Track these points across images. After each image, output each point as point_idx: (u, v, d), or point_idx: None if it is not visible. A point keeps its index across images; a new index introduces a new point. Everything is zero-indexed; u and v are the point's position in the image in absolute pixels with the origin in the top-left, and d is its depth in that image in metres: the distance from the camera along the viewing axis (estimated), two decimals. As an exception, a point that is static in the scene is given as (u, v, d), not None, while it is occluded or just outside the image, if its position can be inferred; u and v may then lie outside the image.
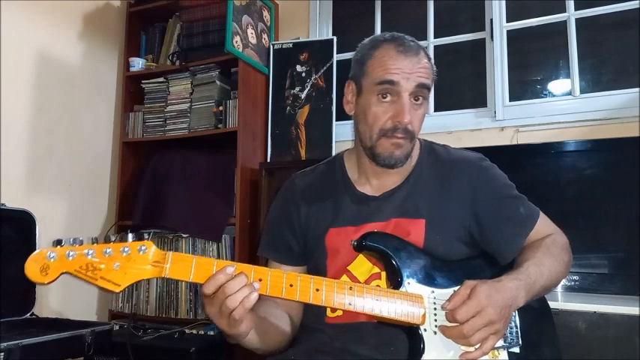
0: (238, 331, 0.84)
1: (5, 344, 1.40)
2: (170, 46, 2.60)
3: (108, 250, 0.78)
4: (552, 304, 1.46)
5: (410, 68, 0.98)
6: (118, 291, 0.79)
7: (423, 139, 1.15)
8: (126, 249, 0.79)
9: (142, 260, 0.80)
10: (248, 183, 2.30)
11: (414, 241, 1.00)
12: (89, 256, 0.77)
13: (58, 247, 0.77)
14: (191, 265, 0.81)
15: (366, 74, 1.02)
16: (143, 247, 0.80)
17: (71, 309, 2.14)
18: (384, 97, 0.99)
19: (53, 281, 0.76)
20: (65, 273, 0.76)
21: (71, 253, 0.76)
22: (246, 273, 0.82)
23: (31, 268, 0.75)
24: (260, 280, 0.84)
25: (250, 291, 0.80)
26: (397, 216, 1.04)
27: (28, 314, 1.83)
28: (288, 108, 2.46)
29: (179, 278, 0.81)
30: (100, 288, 0.78)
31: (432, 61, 1.05)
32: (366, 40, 1.08)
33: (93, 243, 0.79)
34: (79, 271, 0.77)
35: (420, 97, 1.00)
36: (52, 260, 0.75)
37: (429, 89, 1.00)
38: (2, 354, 1.39)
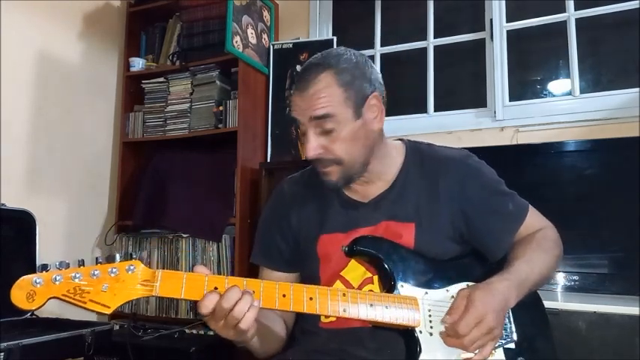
0: (246, 339, 0.86)
1: (5, 344, 1.40)
2: (170, 46, 2.60)
3: (96, 272, 0.77)
4: (552, 304, 1.48)
5: (304, 103, 0.97)
6: (108, 312, 0.78)
7: (408, 140, 1.14)
8: (114, 270, 0.78)
9: (131, 280, 0.79)
10: (248, 183, 2.30)
11: (405, 244, 1.00)
12: (76, 280, 0.76)
13: (44, 272, 0.75)
14: (181, 282, 0.81)
15: None
16: (131, 267, 0.79)
17: (71, 309, 2.12)
18: (301, 132, 1.01)
19: (40, 307, 0.75)
20: (53, 298, 0.75)
21: (58, 278, 0.75)
22: (238, 285, 0.82)
23: (17, 295, 0.73)
24: (253, 292, 0.83)
25: (251, 300, 0.81)
26: (387, 219, 1.04)
27: (28, 314, 1.82)
28: (288, 108, 2.46)
29: (170, 296, 0.81)
30: (89, 310, 0.78)
31: (348, 73, 0.97)
32: None
33: (79, 265, 0.78)
34: (67, 295, 0.76)
35: (328, 127, 0.96)
36: (38, 286, 0.74)
37: (328, 118, 0.95)
38: (2, 354, 1.39)
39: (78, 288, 0.76)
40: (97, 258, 0.80)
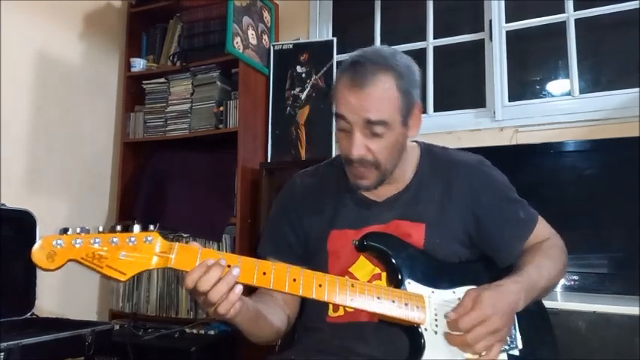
0: (227, 319, 0.86)
1: (5, 344, 1.40)
2: (171, 46, 2.60)
3: (114, 240, 0.79)
4: (552, 304, 1.48)
5: (359, 103, 0.93)
6: (123, 280, 0.79)
7: (423, 142, 1.15)
8: (132, 239, 0.80)
9: (148, 250, 0.81)
10: (248, 183, 2.30)
11: (415, 243, 1.00)
12: (96, 245, 0.78)
13: (65, 234, 0.77)
14: (196, 256, 0.82)
15: (333, 100, 1.01)
16: (149, 238, 0.81)
17: (71, 309, 2.14)
18: (341, 129, 0.98)
19: (59, 268, 0.76)
20: (71, 260, 0.77)
21: (78, 241, 0.77)
22: (250, 267, 0.82)
23: (38, 255, 0.75)
24: (264, 273, 0.84)
25: (229, 284, 0.80)
26: (398, 218, 1.04)
27: (28, 314, 1.83)
28: (289, 108, 2.46)
29: (184, 269, 0.81)
30: (105, 276, 0.78)
31: (405, 79, 0.95)
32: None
33: (99, 232, 0.80)
34: (86, 259, 0.77)
35: (378, 131, 0.94)
36: (58, 247, 0.76)
37: (382, 124, 0.94)
38: (2, 354, 1.39)
39: (96, 253, 0.78)
40: (114, 226, 0.81)
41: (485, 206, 1.04)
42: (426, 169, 1.09)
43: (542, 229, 1.08)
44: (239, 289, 0.82)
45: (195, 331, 2.07)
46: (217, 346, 1.98)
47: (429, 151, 1.12)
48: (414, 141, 1.15)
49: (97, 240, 0.78)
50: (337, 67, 2.40)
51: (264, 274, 0.84)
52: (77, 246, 0.77)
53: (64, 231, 0.78)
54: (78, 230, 0.78)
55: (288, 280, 0.85)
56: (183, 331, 2.06)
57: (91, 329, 1.67)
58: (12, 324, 1.71)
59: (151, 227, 0.83)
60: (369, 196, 1.08)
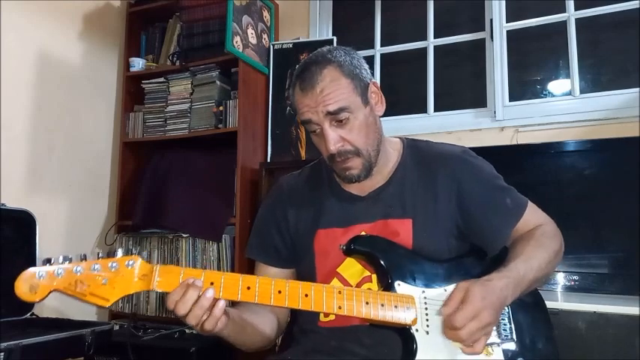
0: (212, 334, 0.88)
1: (5, 344, 1.40)
2: (170, 46, 2.60)
3: (96, 267, 0.80)
4: (552, 304, 1.48)
5: (314, 102, 0.98)
6: (107, 306, 0.81)
7: (406, 138, 1.15)
8: (114, 264, 0.81)
9: (130, 274, 0.82)
10: (248, 183, 2.30)
11: (403, 242, 1.00)
12: (78, 273, 0.79)
13: (47, 265, 0.79)
14: (179, 277, 0.83)
15: (296, 112, 1.05)
16: (131, 262, 0.82)
17: (71, 309, 2.13)
18: (313, 132, 1.02)
19: (43, 299, 0.77)
20: (55, 290, 0.78)
21: (59, 271, 0.78)
22: (234, 282, 0.83)
23: (21, 288, 0.77)
24: (248, 287, 0.85)
25: (203, 309, 0.81)
26: (384, 217, 1.04)
27: (28, 314, 1.83)
28: (288, 108, 2.46)
29: (168, 290, 0.83)
30: (89, 303, 0.80)
31: (348, 64, 0.99)
32: None
33: (81, 260, 0.81)
34: (68, 288, 0.78)
35: (343, 117, 0.98)
36: (40, 279, 0.77)
37: (343, 110, 0.97)
38: (2, 354, 1.39)
39: (79, 281, 0.79)
40: (98, 253, 0.83)
41: (471, 195, 1.04)
42: (408, 162, 1.09)
43: (533, 215, 1.06)
44: (222, 303, 0.83)
45: (194, 331, 2.06)
46: (217, 346, 1.97)
47: (411, 145, 1.13)
48: (398, 137, 1.15)
49: (78, 268, 0.79)
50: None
51: (249, 288, 0.85)
52: (59, 276, 0.78)
53: (48, 261, 0.79)
54: (60, 259, 0.79)
55: (273, 293, 0.85)
56: (183, 331, 2.05)
57: (91, 329, 1.67)
58: (12, 324, 1.71)
59: (134, 251, 0.86)
60: (352, 191, 1.08)
